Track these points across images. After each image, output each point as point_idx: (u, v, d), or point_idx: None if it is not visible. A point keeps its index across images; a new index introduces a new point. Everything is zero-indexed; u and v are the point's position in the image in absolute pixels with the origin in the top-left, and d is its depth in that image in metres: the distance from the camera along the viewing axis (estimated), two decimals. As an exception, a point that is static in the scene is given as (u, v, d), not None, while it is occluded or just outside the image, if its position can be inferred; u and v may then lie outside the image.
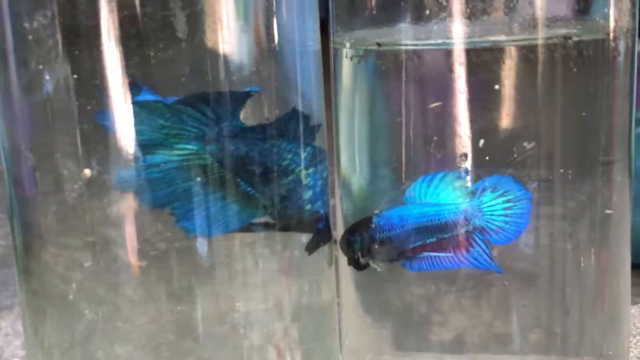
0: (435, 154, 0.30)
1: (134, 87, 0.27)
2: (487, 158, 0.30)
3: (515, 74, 0.29)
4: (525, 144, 0.29)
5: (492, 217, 0.30)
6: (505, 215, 0.30)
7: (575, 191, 0.31)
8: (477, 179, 0.30)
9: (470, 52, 0.29)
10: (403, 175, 0.31)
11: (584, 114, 0.30)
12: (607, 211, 0.31)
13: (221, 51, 0.28)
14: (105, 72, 0.27)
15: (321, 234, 0.32)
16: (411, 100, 0.30)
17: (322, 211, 0.32)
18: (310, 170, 0.31)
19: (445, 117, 0.30)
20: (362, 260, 0.33)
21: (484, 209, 0.30)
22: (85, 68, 0.27)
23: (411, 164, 0.31)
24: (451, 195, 0.30)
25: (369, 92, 0.32)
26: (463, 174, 0.30)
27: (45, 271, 0.30)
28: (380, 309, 0.33)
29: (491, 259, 0.31)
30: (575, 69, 0.29)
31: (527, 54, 0.29)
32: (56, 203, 0.29)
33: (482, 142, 0.30)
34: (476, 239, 0.31)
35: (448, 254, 0.31)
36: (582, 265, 0.31)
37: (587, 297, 0.32)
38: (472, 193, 0.30)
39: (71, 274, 0.29)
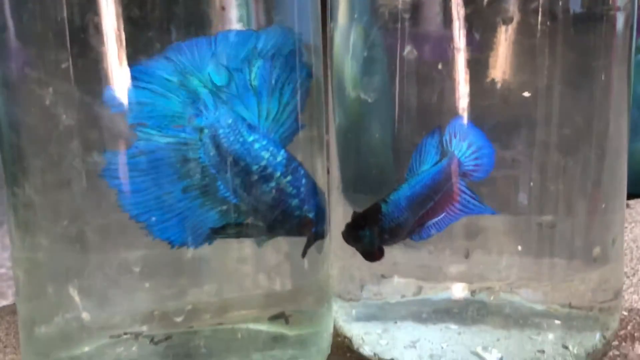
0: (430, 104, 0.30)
1: None
2: (483, 110, 0.30)
3: (513, 28, 0.29)
4: (525, 93, 0.29)
5: (466, 162, 0.30)
6: (476, 158, 0.30)
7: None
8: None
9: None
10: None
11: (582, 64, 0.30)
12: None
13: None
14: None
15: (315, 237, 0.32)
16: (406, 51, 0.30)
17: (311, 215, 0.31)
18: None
19: (442, 70, 0.30)
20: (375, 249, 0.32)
21: (459, 157, 0.30)
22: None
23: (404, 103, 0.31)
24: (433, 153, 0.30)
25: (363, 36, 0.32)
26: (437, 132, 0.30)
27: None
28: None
29: (481, 203, 0.31)
30: (574, 23, 0.29)
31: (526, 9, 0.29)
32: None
33: (476, 94, 0.30)
34: (462, 188, 0.31)
35: (447, 212, 0.31)
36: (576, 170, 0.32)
37: (581, 199, 0.32)
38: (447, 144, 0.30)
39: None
